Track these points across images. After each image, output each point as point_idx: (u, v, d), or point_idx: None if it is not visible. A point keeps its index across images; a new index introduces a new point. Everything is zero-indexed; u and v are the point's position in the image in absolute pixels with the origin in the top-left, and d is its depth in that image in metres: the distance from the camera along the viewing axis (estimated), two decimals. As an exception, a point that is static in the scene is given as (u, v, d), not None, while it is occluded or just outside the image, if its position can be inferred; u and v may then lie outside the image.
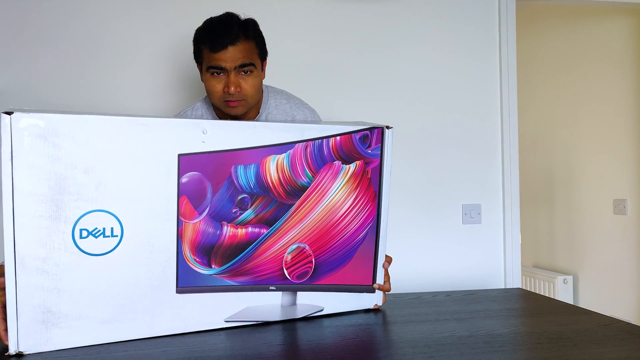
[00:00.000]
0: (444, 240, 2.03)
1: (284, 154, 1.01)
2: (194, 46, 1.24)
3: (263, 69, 1.26)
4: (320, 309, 1.08)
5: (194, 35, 1.23)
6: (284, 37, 1.86)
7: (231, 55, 1.15)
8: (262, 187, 1.00)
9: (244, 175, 0.99)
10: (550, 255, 3.41)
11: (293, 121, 1.35)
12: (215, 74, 1.18)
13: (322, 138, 1.04)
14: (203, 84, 1.25)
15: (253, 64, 1.19)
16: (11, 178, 0.81)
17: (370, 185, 1.10)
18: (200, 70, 1.24)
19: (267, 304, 1.03)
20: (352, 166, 1.07)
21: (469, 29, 2.03)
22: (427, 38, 2.00)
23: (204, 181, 0.96)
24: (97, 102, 1.73)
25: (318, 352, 0.86)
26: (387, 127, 1.11)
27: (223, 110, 1.24)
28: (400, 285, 1.93)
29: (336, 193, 1.06)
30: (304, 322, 1.05)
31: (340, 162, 1.06)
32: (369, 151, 1.09)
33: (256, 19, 1.86)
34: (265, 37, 1.82)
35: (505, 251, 2.06)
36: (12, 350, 0.84)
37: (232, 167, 0.98)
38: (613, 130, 2.90)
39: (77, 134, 0.86)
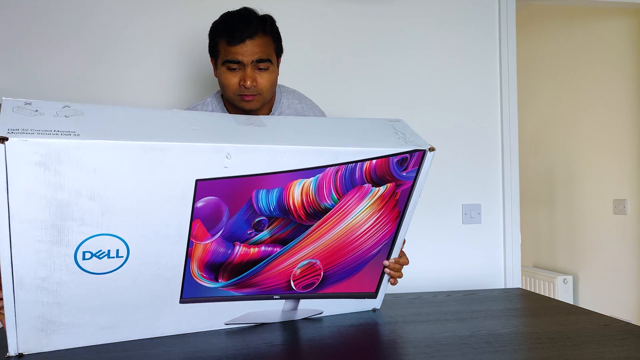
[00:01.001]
0: (444, 240, 2.03)
1: (311, 178, 0.91)
2: (210, 40, 1.22)
3: (278, 66, 1.25)
4: (319, 312, 1.07)
5: (211, 29, 1.21)
6: (286, 37, 1.86)
7: (249, 49, 1.14)
8: (282, 210, 0.91)
9: (265, 200, 0.89)
10: (550, 255, 3.41)
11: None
12: (232, 68, 1.16)
13: (356, 162, 0.93)
14: (216, 79, 1.23)
15: (270, 60, 1.17)
16: (7, 205, 0.73)
17: (396, 206, 1.01)
18: (215, 65, 1.22)
19: (268, 310, 1.03)
20: (382, 188, 0.97)
21: (469, 30, 2.03)
22: (426, 39, 2.00)
23: (221, 205, 0.86)
24: (103, 100, 1.73)
25: (319, 352, 0.86)
26: (430, 150, 0.98)
27: (237, 104, 1.21)
28: (401, 285, 1.92)
29: (359, 214, 0.98)
30: (304, 321, 1.05)
31: (370, 184, 0.96)
32: (404, 174, 0.98)
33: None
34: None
35: (505, 251, 2.06)
36: (12, 352, 0.84)
37: (254, 191, 0.88)
38: (613, 130, 2.90)
39: (83, 160, 0.75)
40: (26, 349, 0.84)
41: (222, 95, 1.30)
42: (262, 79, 1.17)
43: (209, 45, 1.22)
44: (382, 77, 1.97)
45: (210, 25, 1.18)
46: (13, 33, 1.70)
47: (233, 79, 1.17)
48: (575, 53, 3.17)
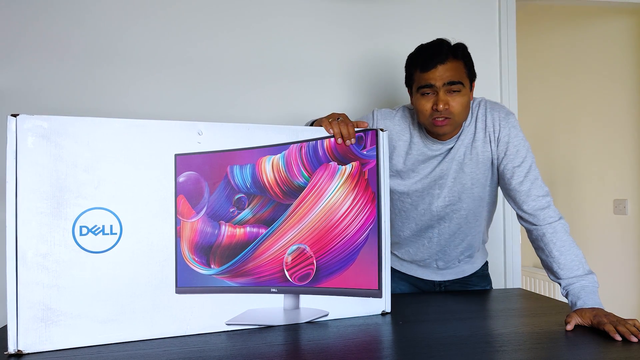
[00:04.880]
0: (444, 240, 2.03)
1: (278, 155, 1.04)
2: (406, 71, 1.26)
3: (471, 90, 1.24)
4: (325, 313, 1.07)
5: (406, 61, 1.26)
6: (284, 36, 1.86)
7: (440, 74, 1.16)
8: (258, 187, 1.02)
9: (240, 175, 1.01)
10: (550, 255, 3.41)
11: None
12: (425, 93, 1.18)
13: (316, 139, 1.07)
14: (413, 105, 1.25)
15: (461, 83, 1.17)
16: (15, 175, 0.85)
17: (369, 186, 1.11)
18: (411, 93, 1.27)
19: (270, 307, 1.03)
20: (349, 167, 1.09)
21: (469, 29, 2.03)
22: (426, 39, 1.99)
23: (201, 180, 0.98)
24: (101, 107, 1.73)
25: (319, 352, 0.86)
26: (381, 130, 1.13)
27: (430, 129, 1.23)
28: (401, 285, 1.91)
29: (334, 193, 1.07)
30: (305, 322, 1.05)
31: (335, 162, 1.08)
32: (365, 152, 1.11)
33: (256, 18, 1.86)
34: (263, 37, 1.82)
35: (506, 251, 2.06)
36: (12, 349, 0.84)
37: (228, 167, 1.00)
38: (613, 130, 2.90)
39: (79, 135, 0.89)
40: (25, 345, 0.85)
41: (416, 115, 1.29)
42: (454, 102, 1.17)
43: (405, 76, 1.27)
44: (381, 77, 1.96)
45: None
46: (13, 32, 1.69)
47: (426, 104, 1.18)
48: (575, 53, 3.17)
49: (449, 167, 1.26)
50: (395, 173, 1.29)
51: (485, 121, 1.25)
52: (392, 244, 1.42)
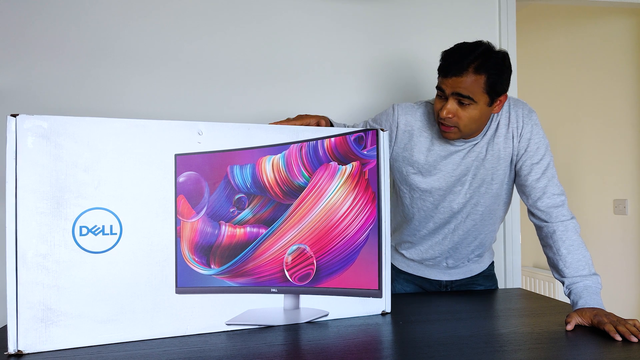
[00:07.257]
0: (444, 240, 2.03)
1: (279, 155, 1.04)
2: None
3: (493, 104, 1.18)
4: (325, 313, 1.07)
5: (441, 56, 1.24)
6: (284, 36, 1.86)
7: (452, 84, 1.14)
8: (258, 187, 1.02)
9: (240, 175, 1.01)
10: (550, 255, 3.40)
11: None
12: (439, 95, 1.19)
13: (316, 139, 1.07)
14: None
15: (470, 98, 1.13)
16: (15, 175, 0.85)
17: (369, 186, 1.11)
18: None
19: (270, 307, 1.03)
20: (349, 167, 1.09)
21: (468, 29, 2.03)
22: (425, 38, 1.99)
23: (201, 180, 0.98)
24: (101, 107, 1.73)
25: (319, 353, 0.86)
26: (382, 130, 1.13)
27: (440, 129, 1.22)
28: (401, 285, 1.91)
29: (334, 193, 1.07)
30: (305, 322, 1.05)
31: (336, 162, 1.08)
32: (365, 152, 1.11)
33: (258, 17, 1.85)
34: (265, 36, 1.83)
35: (505, 251, 2.06)
36: (12, 349, 0.85)
37: (228, 167, 1.00)
38: (613, 130, 2.90)
39: (79, 135, 0.89)
40: (25, 345, 0.85)
41: None
42: (462, 113, 1.15)
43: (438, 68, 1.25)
44: (380, 77, 1.97)
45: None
46: (13, 32, 1.69)
47: (438, 105, 1.19)
48: (575, 53, 3.17)
49: (471, 163, 1.26)
50: (416, 170, 1.28)
51: (509, 117, 1.26)
52: (403, 243, 1.42)
